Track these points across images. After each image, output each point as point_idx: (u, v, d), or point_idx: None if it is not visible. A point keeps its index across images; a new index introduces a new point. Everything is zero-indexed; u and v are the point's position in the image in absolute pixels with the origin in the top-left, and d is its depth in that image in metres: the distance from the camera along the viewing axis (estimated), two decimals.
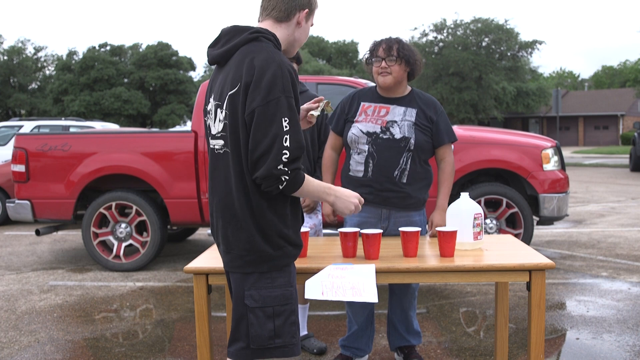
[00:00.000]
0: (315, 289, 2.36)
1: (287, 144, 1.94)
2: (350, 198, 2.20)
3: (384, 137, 3.13)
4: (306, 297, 2.36)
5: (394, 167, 3.13)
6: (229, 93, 2.03)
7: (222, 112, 2.06)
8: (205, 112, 2.20)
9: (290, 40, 2.19)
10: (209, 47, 2.18)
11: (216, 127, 2.10)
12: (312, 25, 2.24)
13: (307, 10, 2.16)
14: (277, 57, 1.99)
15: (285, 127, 1.94)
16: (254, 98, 1.96)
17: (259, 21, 2.20)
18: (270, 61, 1.97)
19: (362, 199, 2.26)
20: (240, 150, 2.02)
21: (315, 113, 2.40)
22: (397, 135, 3.12)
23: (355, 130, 3.19)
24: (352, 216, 3.25)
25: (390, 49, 3.12)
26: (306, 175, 2.07)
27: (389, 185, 3.14)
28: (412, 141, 3.12)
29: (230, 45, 2.07)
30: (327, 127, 3.69)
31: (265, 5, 2.16)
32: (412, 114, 3.17)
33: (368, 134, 3.15)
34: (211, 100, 2.15)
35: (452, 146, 3.32)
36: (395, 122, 3.15)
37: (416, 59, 3.17)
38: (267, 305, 2.06)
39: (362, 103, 3.26)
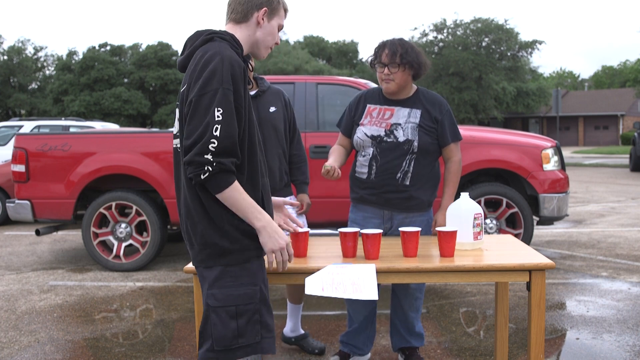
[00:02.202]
0: (315, 285, 2.36)
1: (217, 133, 1.93)
2: (280, 237, 2.08)
3: (388, 140, 3.13)
4: (306, 292, 2.34)
5: (396, 169, 3.13)
6: (181, 90, 2.08)
7: (178, 111, 2.12)
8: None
9: (252, 41, 2.21)
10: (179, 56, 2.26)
11: (175, 127, 2.15)
12: (280, 26, 2.25)
13: (265, 9, 2.18)
14: (223, 51, 2.01)
15: (218, 117, 1.94)
16: (193, 90, 1.99)
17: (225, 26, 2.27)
18: (215, 55, 2.00)
19: (292, 250, 2.15)
20: None
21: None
22: (401, 139, 3.12)
23: (361, 134, 3.20)
24: (356, 214, 3.28)
25: (394, 55, 3.08)
26: (239, 187, 2.00)
27: (391, 187, 3.14)
28: (416, 144, 3.11)
29: (190, 49, 2.13)
30: (295, 125, 3.69)
31: (227, 10, 2.23)
32: (416, 115, 3.15)
33: (372, 137, 3.16)
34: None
35: (459, 145, 3.28)
36: (399, 124, 3.14)
37: (420, 61, 3.13)
38: (230, 304, 2.03)
39: (367, 105, 3.26)
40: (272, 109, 3.52)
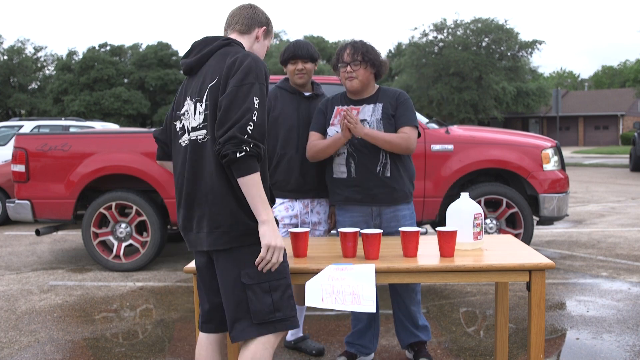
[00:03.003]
0: (315, 294, 2.38)
1: (255, 118, 2.08)
2: (280, 237, 2.16)
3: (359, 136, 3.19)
4: (307, 304, 2.38)
5: (375, 162, 3.20)
6: (210, 85, 2.21)
7: (201, 105, 2.22)
8: (176, 117, 2.35)
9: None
10: (182, 58, 2.39)
11: (197, 120, 2.23)
12: (268, 46, 2.49)
13: (265, 28, 2.42)
14: (252, 54, 2.23)
15: (256, 105, 2.10)
16: (231, 83, 2.15)
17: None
18: (247, 55, 2.21)
19: (282, 258, 2.19)
20: None
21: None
22: None
23: (332, 132, 3.28)
24: (343, 216, 3.32)
25: (355, 54, 3.21)
26: (260, 178, 2.11)
27: (374, 182, 3.21)
28: None
29: (205, 52, 2.29)
30: None
31: (230, 22, 2.42)
32: (379, 108, 3.25)
33: None
34: (186, 102, 2.30)
35: (416, 132, 3.23)
36: (366, 120, 3.23)
37: (381, 60, 3.28)
38: (263, 280, 2.16)
39: (335, 107, 3.35)
40: None
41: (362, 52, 3.20)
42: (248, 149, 2.04)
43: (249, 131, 2.06)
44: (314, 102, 3.58)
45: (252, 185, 2.09)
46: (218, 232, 2.17)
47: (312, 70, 3.55)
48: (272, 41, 2.57)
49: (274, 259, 2.15)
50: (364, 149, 3.20)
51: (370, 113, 3.25)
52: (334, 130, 3.28)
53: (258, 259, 2.15)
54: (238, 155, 2.04)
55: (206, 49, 2.29)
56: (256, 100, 2.11)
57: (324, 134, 3.36)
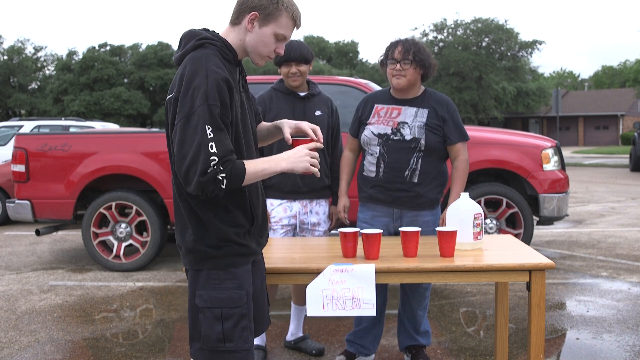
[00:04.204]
0: (316, 302, 2.38)
1: (214, 150, 1.88)
2: (300, 156, 2.07)
3: (395, 138, 3.17)
4: (308, 314, 2.37)
5: (404, 167, 3.17)
6: (167, 97, 2.04)
7: (166, 115, 2.09)
8: None
9: (241, 45, 2.10)
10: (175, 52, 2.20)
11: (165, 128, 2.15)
12: (280, 36, 2.08)
13: (255, 13, 2.04)
14: (207, 66, 1.95)
15: (210, 134, 1.89)
16: (178, 110, 1.95)
17: None
18: (198, 71, 1.94)
19: (316, 155, 2.11)
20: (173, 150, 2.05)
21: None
22: (408, 137, 3.16)
23: (368, 132, 3.25)
24: (365, 213, 3.30)
25: (407, 52, 3.15)
26: (250, 163, 2.00)
27: (399, 185, 3.18)
28: (423, 142, 3.15)
29: (183, 51, 2.07)
30: (338, 134, 3.73)
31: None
32: (423, 114, 3.20)
33: (379, 135, 3.21)
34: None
35: (466, 145, 3.31)
36: (407, 123, 3.19)
37: (431, 62, 3.22)
38: (215, 306, 2.03)
39: (375, 105, 3.31)
40: (318, 112, 3.59)
41: (414, 52, 3.15)
42: (224, 174, 1.90)
43: (212, 165, 1.87)
44: (310, 102, 3.57)
45: (251, 177, 2.00)
46: (182, 251, 2.13)
47: (306, 72, 3.52)
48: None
49: (314, 163, 2.08)
50: (396, 152, 3.16)
51: (412, 117, 3.19)
52: (368, 129, 3.24)
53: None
54: (224, 186, 1.91)
55: (185, 47, 2.06)
56: (208, 129, 1.89)
57: (357, 135, 3.36)
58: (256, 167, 2.02)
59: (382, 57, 3.29)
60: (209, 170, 1.88)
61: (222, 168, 1.90)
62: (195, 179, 1.89)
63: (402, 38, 3.24)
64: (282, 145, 3.50)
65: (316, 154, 2.11)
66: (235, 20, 2.09)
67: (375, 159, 3.22)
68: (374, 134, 3.21)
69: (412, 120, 3.18)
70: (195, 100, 1.91)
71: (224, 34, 2.12)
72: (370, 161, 3.25)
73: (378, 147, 3.20)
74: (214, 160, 1.88)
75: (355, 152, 3.46)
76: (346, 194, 3.47)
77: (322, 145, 2.19)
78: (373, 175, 3.23)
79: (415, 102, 3.24)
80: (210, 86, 1.92)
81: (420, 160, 3.16)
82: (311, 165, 2.08)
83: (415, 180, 3.18)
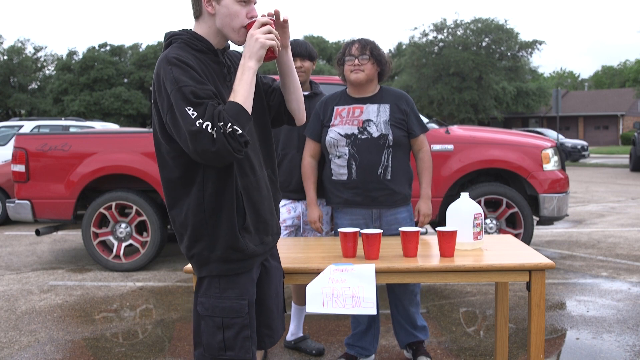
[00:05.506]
0: (316, 299, 2.37)
1: (202, 121, 1.83)
2: (253, 42, 1.95)
3: (362, 137, 3.19)
4: (308, 311, 2.37)
5: (376, 165, 3.19)
6: (152, 99, 2.04)
7: (153, 118, 2.07)
8: None
9: (214, 32, 2.07)
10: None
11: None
12: (242, 2, 2.02)
13: None
14: (167, 58, 1.94)
15: (192, 114, 1.84)
16: (160, 109, 1.95)
17: None
18: (162, 66, 1.94)
19: (265, 28, 1.97)
20: (161, 154, 2.04)
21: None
22: (375, 134, 3.18)
23: (333, 134, 3.24)
24: (342, 219, 3.29)
25: (364, 48, 3.22)
26: (229, 99, 1.92)
27: (375, 185, 3.19)
28: (390, 137, 3.18)
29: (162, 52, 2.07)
30: None
31: None
32: (386, 109, 3.24)
33: (346, 136, 3.21)
34: None
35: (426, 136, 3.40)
36: (371, 120, 3.21)
37: (387, 60, 3.29)
38: (216, 315, 2.02)
39: (335, 107, 3.32)
40: None
41: (371, 48, 3.22)
42: (229, 123, 1.84)
43: (213, 132, 1.82)
44: (313, 101, 3.58)
45: (248, 94, 1.94)
46: (186, 256, 2.11)
47: (310, 69, 3.55)
48: None
49: (266, 41, 1.95)
50: (366, 151, 3.17)
51: (375, 113, 3.22)
52: (333, 131, 3.24)
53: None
54: (239, 130, 1.85)
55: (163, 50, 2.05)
56: (189, 110, 1.84)
57: (319, 139, 3.35)
58: (240, 87, 1.93)
59: (339, 56, 3.33)
60: (215, 137, 1.82)
61: (221, 124, 1.84)
62: (212, 155, 1.84)
63: (357, 37, 3.32)
64: (287, 139, 3.52)
65: (265, 27, 1.96)
66: (197, 13, 2.07)
67: (346, 161, 3.20)
68: (341, 135, 3.21)
69: (376, 117, 3.21)
70: (169, 93, 1.89)
71: (194, 30, 2.10)
72: (339, 164, 3.22)
73: (347, 148, 3.19)
74: (208, 124, 1.82)
75: (316, 158, 3.42)
76: (317, 203, 3.40)
77: (266, 18, 2.01)
78: (345, 178, 3.21)
79: (375, 99, 3.28)
80: (175, 72, 1.90)
81: (390, 156, 3.20)
82: (267, 40, 1.95)
83: (389, 177, 3.20)
